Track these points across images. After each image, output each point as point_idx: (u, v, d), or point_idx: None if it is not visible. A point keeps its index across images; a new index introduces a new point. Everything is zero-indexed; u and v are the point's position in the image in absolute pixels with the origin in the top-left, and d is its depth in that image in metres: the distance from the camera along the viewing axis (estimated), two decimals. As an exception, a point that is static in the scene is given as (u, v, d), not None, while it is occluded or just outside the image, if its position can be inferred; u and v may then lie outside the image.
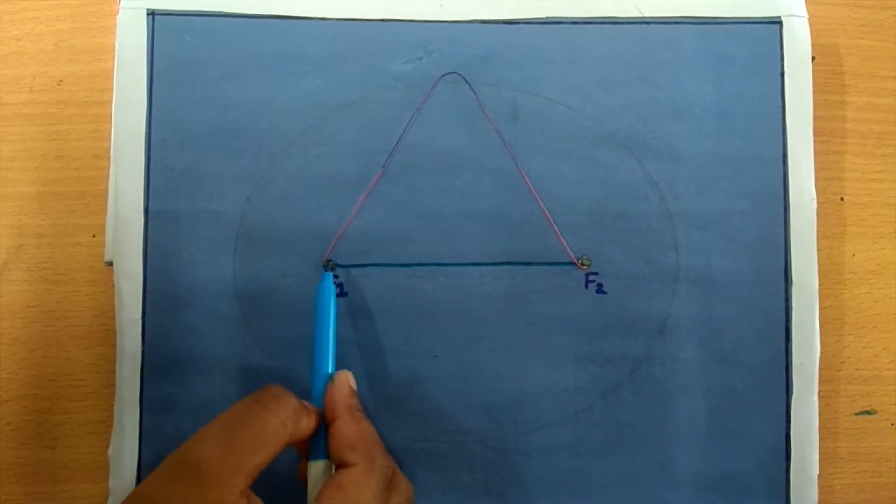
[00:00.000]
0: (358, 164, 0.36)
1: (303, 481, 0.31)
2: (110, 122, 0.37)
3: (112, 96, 0.37)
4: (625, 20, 0.37)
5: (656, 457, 0.36)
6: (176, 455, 0.27)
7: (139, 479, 0.35)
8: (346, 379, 0.32)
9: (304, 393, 0.35)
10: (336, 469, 0.30)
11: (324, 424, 0.31)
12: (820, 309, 0.37)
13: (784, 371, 0.36)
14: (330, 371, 0.32)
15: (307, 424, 0.30)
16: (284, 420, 0.28)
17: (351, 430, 0.30)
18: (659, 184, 0.37)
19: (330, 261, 0.36)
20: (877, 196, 0.40)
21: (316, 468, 0.30)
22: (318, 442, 0.31)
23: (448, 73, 0.37)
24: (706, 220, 0.37)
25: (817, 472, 0.36)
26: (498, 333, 0.36)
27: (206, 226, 0.36)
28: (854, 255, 0.39)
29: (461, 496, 0.36)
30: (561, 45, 0.37)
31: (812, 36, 0.38)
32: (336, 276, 0.36)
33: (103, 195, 0.37)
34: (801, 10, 0.38)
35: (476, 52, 0.37)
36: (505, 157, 0.37)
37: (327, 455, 0.30)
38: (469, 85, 0.37)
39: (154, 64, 0.36)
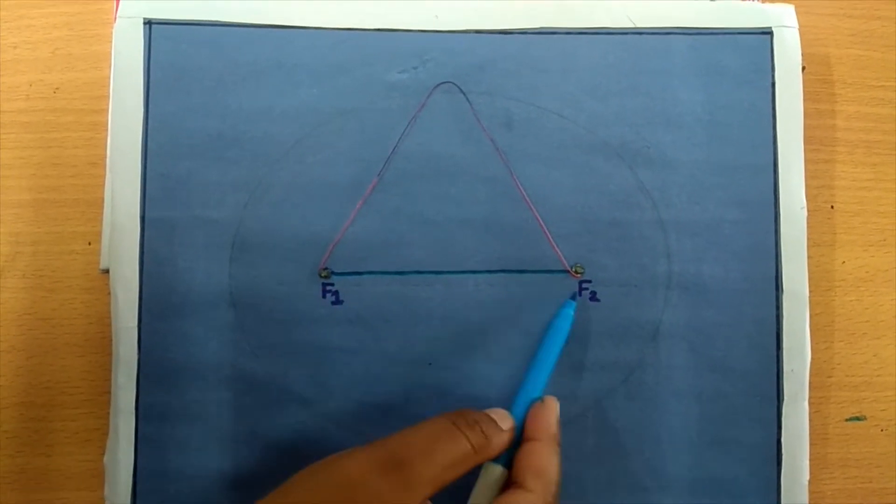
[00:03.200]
0: (354, 172, 0.37)
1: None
2: (106, 129, 0.37)
3: (108, 104, 0.37)
4: (617, 30, 0.38)
5: (649, 462, 0.36)
6: (383, 447, 0.28)
7: (135, 487, 0.35)
8: (556, 407, 0.32)
9: (301, 399, 0.36)
10: (511, 485, 0.30)
11: (517, 437, 0.31)
12: (811, 316, 0.37)
13: (775, 377, 0.37)
14: (538, 394, 0.32)
15: (498, 446, 0.30)
16: (476, 447, 0.29)
17: (546, 458, 0.30)
18: (651, 192, 0.37)
19: (326, 268, 0.36)
20: (867, 204, 0.40)
21: (491, 471, 0.31)
22: (506, 451, 0.31)
23: (443, 83, 0.37)
24: (698, 227, 0.37)
25: (808, 477, 0.37)
26: (492, 341, 0.36)
27: (203, 233, 0.36)
28: (844, 262, 0.40)
29: (456, 503, 0.36)
30: (555, 54, 0.38)
31: (802, 46, 0.38)
32: (331, 285, 0.36)
33: (99, 203, 0.37)
34: (792, 20, 0.38)
35: (471, 62, 0.37)
36: (499, 165, 0.37)
37: (507, 464, 0.30)
38: (464, 94, 0.37)
39: (150, 72, 0.37)
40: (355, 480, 0.27)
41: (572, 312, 0.35)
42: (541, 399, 0.32)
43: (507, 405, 0.32)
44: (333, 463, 0.28)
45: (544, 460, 0.30)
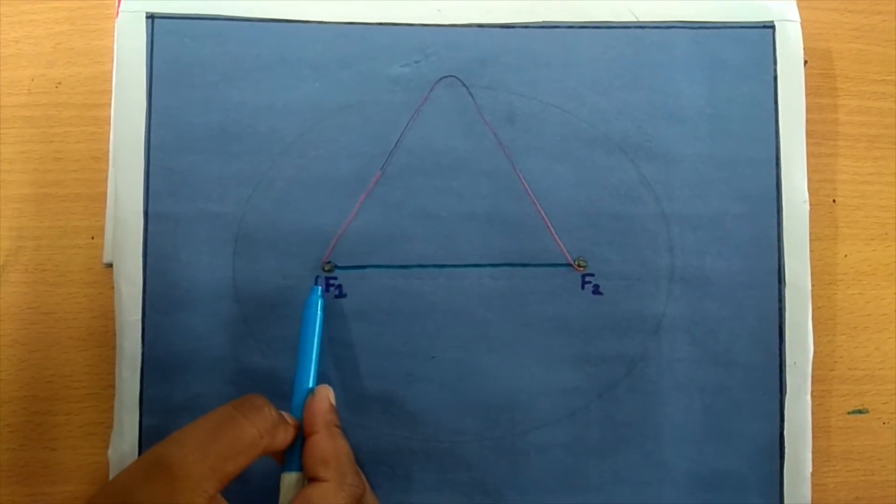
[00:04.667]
0: (356, 166, 0.37)
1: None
2: (109, 124, 0.37)
3: (111, 99, 0.37)
4: (620, 24, 0.38)
5: (652, 455, 0.36)
6: (150, 454, 0.27)
7: (138, 480, 0.35)
8: (327, 394, 0.32)
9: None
10: (307, 482, 0.30)
11: (301, 437, 0.31)
12: (813, 309, 0.37)
13: (777, 371, 0.37)
14: (311, 385, 0.33)
15: (284, 437, 0.30)
16: (262, 431, 0.29)
17: (326, 445, 0.30)
18: (654, 186, 0.37)
19: (329, 262, 0.36)
20: (868, 198, 0.40)
21: (288, 479, 0.31)
22: (294, 453, 0.31)
23: (445, 77, 0.37)
24: (700, 221, 0.37)
25: (810, 470, 0.37)
26: (495, 334, 0.37)
27: (206, 228, 0.36)
28: (846, 256, 0.40)
29: (459, 495, 0.36)
30: (557, 48, 0.38)
31: (804, 40, 0.38)
32: (334, 279, 0.36)
33: (102, 197, 0.37)
34: (794, 14, 0.38)
35: (473, 56, 0.37)
36: (502, 159, 0.37)
37: (301, 467, 0.31)
38: (466, 88, 0.37)
39: (153, 67, 0.37)
40: (123, 495, 0.26)
41: (318, 297, 0.34)
42: (311, 391, 0.32)
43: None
44: (104, 488, 0.28)
45: (327, 448, 0.30)
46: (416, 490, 0.36)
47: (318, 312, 0.34)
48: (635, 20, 0.38)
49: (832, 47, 0.41)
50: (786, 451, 0.37)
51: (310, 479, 0.30)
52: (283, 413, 0.31)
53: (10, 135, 0.38)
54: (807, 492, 0.37)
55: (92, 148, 0.38)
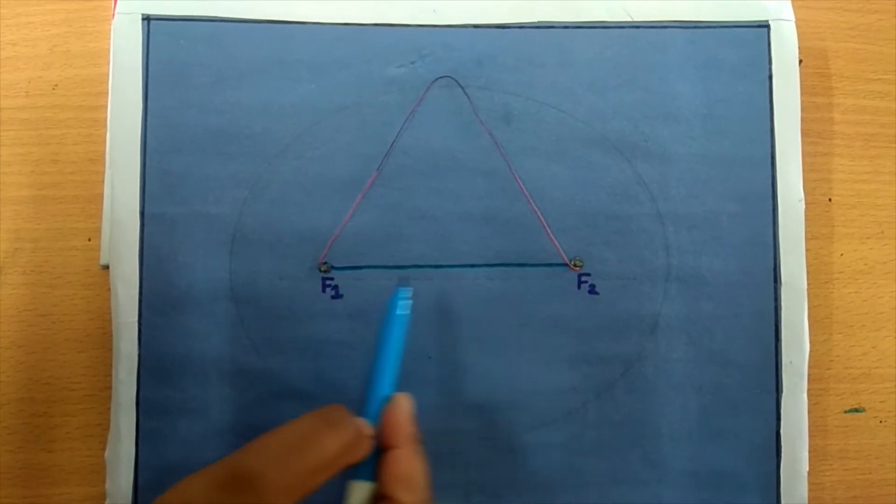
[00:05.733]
0: (353, 167, 0.37)
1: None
2: (105, 126, 0.37)
3: (107, 101, 0.37)
4: (615, 24, 0.38)
5: (649, 455, 0.36)
6: (229, 462, 0.26)
7: (136, 482, 0.35)
8: (408, 405, 0.30)
9: (301, 393, 0.36)
10: (381, 499, 0.28)
11: (376, 446, 0.29)
12: (809, 308, 0.37)
13: (774, 369, 0.37)
14: (388, 392, 0.30)
15: (363, 450, 0.28)
16: (346, 446, 0.27)
17: (412, 465, 0.28)
18: (649, 185, 0.37)
19: (326, 262, 0.36)
20: (864, 197, 0.40)
21: (359, 490, 0.28)
22: (367, 462, 0.28)
23: (441, 77, 0.37)
24: (696, 220, 0.37)
25: (807, 469, 0.37)
26: (492, 334, 0.37)
27: (203, 229, 0.36)
28: (842, 254, 0.40)
29: (457, 495, 0.36)
30: (553, 49, 0.38)
31: (800, 39, 0.38)
32: (331, 279, 0.36)
33: (99, 199, 0.37)
34: (789, 13, 0.38)
35: (469, 56, 0.38)
36: (498, 159, 0.37)
37: (374, 478, 0.28)
38: (462, 88, 0.37)
39: (149, 68, 0.37)
40: (193, 500, 0.25)
41: (405, 300, 0.32)
42: (389, 399, 0.30)
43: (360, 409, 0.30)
44: (174, 491, 0.25)
45: (411, 467, 0.28)
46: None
47: (406, 315, 0.31)
48: (631, 20, 0.38)
49: (828, 46, 0.41)
50: (782, 449, 0.37)
51: (385, 496, 0.28)
52: (361, 420, 0.29)
53: (8, 137, 0.38)
54: (803, 491, 0.37)
55: (89, 150, 0.38)
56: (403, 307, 0.32)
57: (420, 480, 0.28)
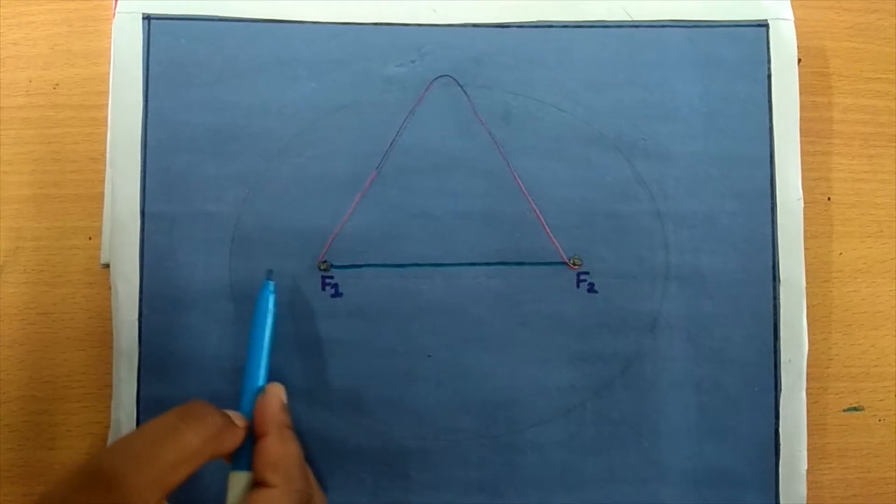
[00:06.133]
0: (352, 166, 0.37)
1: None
2: (106, 125, 0.38)
3: (108, 100, 0.37)
4: (614, 23, 0.38)
5: (648, 453, 0.37)
6: (88, 465, 0.26)
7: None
8: (278, 393, 0.32)
9: (301, 391, 0.36)
10: (255, 486, 0.29)
11: (252, 435, 0.31)
12: (808, 307, 0.37)
13: (772, 368, 0.37)
14: (261, 383, 0.32)
15: (232, 440, 0.29)
16: (206, 439, 0.28)
17: (276, 449, 0.30)
18: (649, 184, 0.37)
19: (325, 261, 0.36)
20: (863, 196, 0.40)
21: (238, 479, 0.30)
22: (243, 453, 0.30)
23: (441, 76, 0.37)
24: (695, 219, 0.37)
25: (806, 467, 0.37)
26: (491, 332, 0.37)
27: (202, 228, 0.36)
28: (841, 253, 0.40)
29: (456, 493, 0.36)
30: (552, 48, 0.38)
31: (799, 38, 0.38)
32: (331, 278, 0.36)
33: (99, 198, 0.38)
34: (788, 13, 0.38)
35: (468, 55, 0.38)
36: (497, 158, 0.37)
37: (251, 467, 0.30)
38: (461, 87, 0.38)
39: (150, 67, 0.37)
40: None
41: (269, 292, 0.33)
42: (262, 390, 0.32)
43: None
44: (44, 493, 0.27)
45: (277, 451, 0.30)
46: (413, 489, 0.36)
47: (270, 308, 0.33)
48: (629, 19, 0.38)
49: (827, 45, 0.41)
50: (781, 448, 0.37)
51: (258, 482, 0.29)
52: (233, 413, 0.31)
53: (9, 136, 0.38)
54: (802, 489, 0.37)
55: (89, 149, 0.38)
56: (268, 301, 0.33)
57: (287, 464, 0.29)
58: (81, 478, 0.26)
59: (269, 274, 0.35)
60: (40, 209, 0.38)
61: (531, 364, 0.37)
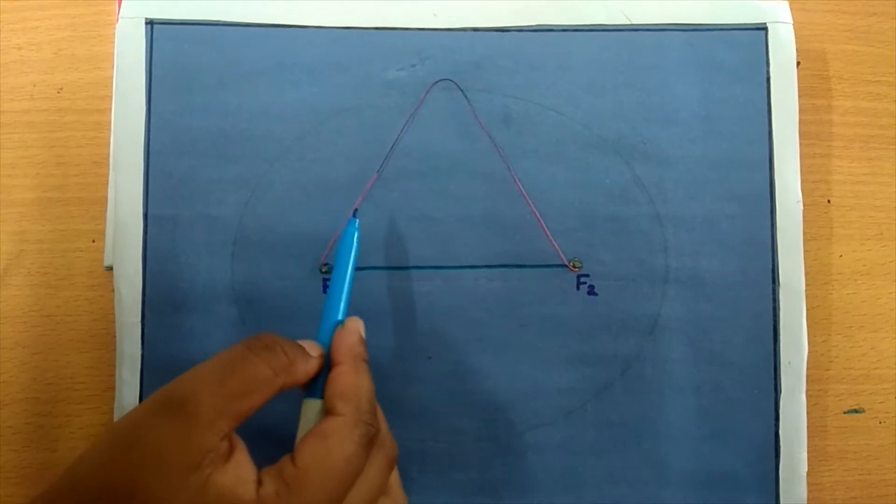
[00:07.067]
0: (353, 169, 0.37)
1: None
2: (110, 129, 0.38)
3: (111, 104, 0.38)
4: (613, 27, 0.38)
5: (648, 455, 0.37)
6: (165, 390, 0.27)
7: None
8: (357, 327, 0.31)
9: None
10: (326, 415, 0.29)
11: (327, 366, 0.30)
12: (808, 309, 0.37)
13: (772, 370, 0.37)
14: (340, 317, 0.32)
15: (305, 370, 0.29)
16: (277, 369, 0.28)
17: (348, 378, 0.29)
18: (648, 187, 0.38)
19: (326, 264, 0.37)
20: (863, 198, 0.40)
21: (311, 407, 0.30)
22: (319, 381, 0.30)
23: (441, 80, 0.38)
24: (695, 222, 0.37)
25: (806, 469, 0.37)
26: (491, 335, 0.37)
27: (205, 230, 0.37)
28: (841, 256, 0.40)
29: (456, 495, 0.36)
30: (551, 51, 0.38)
31: (799, 41, 0.38)
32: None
33: (103, 201, 0.38)
34: (786, 16, 0.39)
35: (469, 59, 0.38)
36: (497, 161, 0.37)
37: (324, 395, 0.30)
38: (462, 91, 0.38)
39: (153, 72, 0.37)
40: (133, 431, 0.26)
41: (354, 229, 0.33)
42: (342, 323, 0.31)
43: None
44: (119, 420, 0.27)
45: (349, 381, 0.29)
46: (413, 490, 0.36)
47: (354, 244, 0.33)
48: (629, 23, 0.38)
49: (826, 48, 0.41)
50: (781, 450, 0.37)
51: (328, 411, 0.29)
52: (308, 343, 0.30)
53: (13, 140, 0.38)
54: (803, 491, 0.37)
55: (93, 152, 0.38)
56: (353, 237, 0.33)
57: (358, 395, 0.29)
58: (153, 405, 0.26)
59: (355, 212, 0.35)
60: (44, 212, 0.38)
61: (531, 366, 0.37)
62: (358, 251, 0.33)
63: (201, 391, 0.26)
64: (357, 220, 0.33)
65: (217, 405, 0.26)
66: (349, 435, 0.28)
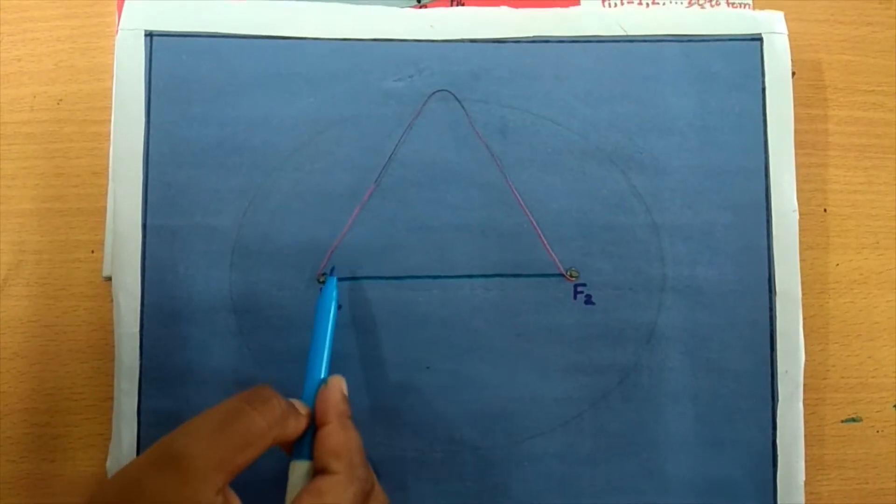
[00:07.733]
0: (351, 179, 0.37)
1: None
2: (109, 140, 0.38)
3: (111, 115, 0.38)
4: (609, 38, 0.38)
5: (645, 464, 0.37)
6: (161, 444, 0.27)
7: (137, 491, 0.36)
8: (340, 385, 0.32)
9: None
10: (317, 474, 0.30)
11: (312, 426, 0.31)
12: (805, 318, 0.38)
13: (769, 379, 0.37)
14: (323, 375, 0.33)
15: (295, 427, 0.30)
16: (271, 422, 0.28)
17: (338, 437, 0.30)
18: (644, 196, 0.38)
19: (324, 274, 0.37)
20: (859, 207, 0.40)
21: (299, 468, 0.30)
22: (304, 443, 0.31)
23: (438, 91, 0.38)
24: (691, 231, 0.38)
25: (804, 478, 0.37)
26: (489, 344, 0.37)
27: (203, 240, 0.37)
28: (838, 265, 0.40)
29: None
30: (548, 62, 0.38)
31: (794, 51, 0.39)
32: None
33: (102, 212, 0.38)
34: (781, 27, 0.39)
35: (466, 70, 0.38)
36: (494, 171, 0.38)
37: (311, 456, 0.30)
38: (459, 102, 0.38)
39: (152, 83, 0.37)
40: (132, 485, 0.26)
41: (333, 289, 0.34)
42: (324, 381, 0.32)
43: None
44: (119, 472, 0.27)
45: (340, 439, 0.30)
46: (411, 500, 0.36)
47: (333, 304, 0.34)
48: (625, 34, 0.39)
49: (822, 58, 0.41)
50: (779, 458, 0.37)
51: (319, 470, 0.29)
52: (295, 401, 0.31)
53: (13, 151, 0.39)
54: (800, 500, 0.37)
55: (92, 163, 0.39)
56: (331, 298, 0.34)
57: (350, 451, 0.30)
58: (151, 458, 0.27)
59: (332, 271, 0.36)
60: (43, 223, 0.38)
61: (528, 375, 0.37)
62: (336, 312, 0.34)
63: (197, 444, 0.27)
64: (335, 279, 0.34)
65: (214, 459, 0.26)
66: (345, 492, 0.28)
